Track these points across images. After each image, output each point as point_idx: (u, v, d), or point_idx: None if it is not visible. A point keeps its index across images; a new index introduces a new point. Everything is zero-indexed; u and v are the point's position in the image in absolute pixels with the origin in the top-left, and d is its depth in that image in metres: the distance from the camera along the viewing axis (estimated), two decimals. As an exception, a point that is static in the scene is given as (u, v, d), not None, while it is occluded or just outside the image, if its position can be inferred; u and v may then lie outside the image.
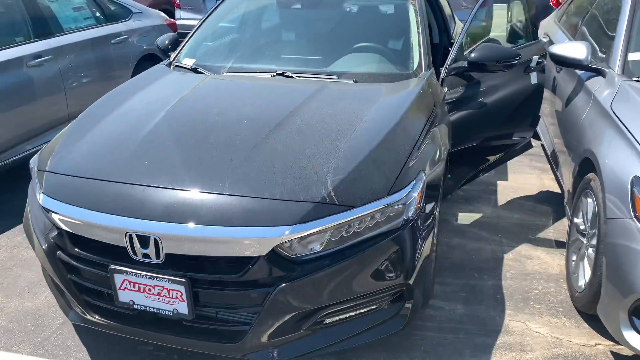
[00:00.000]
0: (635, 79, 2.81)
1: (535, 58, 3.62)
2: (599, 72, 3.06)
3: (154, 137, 2.31)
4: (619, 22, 3.18)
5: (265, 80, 2.94)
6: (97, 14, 5.21)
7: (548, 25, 4.94)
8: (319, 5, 3.55)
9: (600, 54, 3.29)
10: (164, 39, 3.65)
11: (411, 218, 2.10)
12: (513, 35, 4.24)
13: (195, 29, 3.56)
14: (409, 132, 2.40)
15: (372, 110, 2.50)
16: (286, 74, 2.95)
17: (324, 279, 1.95)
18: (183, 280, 1.92)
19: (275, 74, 2.97)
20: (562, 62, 3.19)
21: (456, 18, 5.01)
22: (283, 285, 1.90)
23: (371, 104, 2.57)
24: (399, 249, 2.06)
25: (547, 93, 4.08)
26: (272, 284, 1.91)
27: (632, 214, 2.12)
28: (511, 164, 4.59)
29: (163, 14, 6.37)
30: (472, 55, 3.04)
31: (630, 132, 2.40)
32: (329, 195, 1.96)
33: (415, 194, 2.13)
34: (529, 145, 4.00)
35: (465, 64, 3.08)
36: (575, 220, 2.85)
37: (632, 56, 2.96)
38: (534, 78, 3.66)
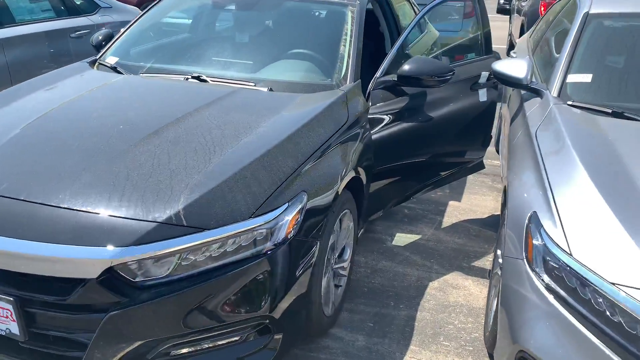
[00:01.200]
0: (570, 102, 2.59)
1: (485, 74, 3.41)
2: (537, 93, 2.85)
3: (19, 139, 2.16)
4: (564, 42, 2.97)
5: (176, 83, 2.78)
6: (59, 6, 5.10)
7: (520, 42, 4.72)
8: (253, 7, 3.38)
9: (545, 74, 3.08)
10: (98, 35, 3.51)
11: (279, 244, 1.91)
12: (461, 49, 4.01)
13: (127, 26, 3.41)
14: (300, 148, 2.21)
15: (268, 122, 2.32)
16: (201, 78, 2.79)
17: (167, 307, 1.77)
18: (10, 298, 1.76)
19: (190, 77, 2.81)
20: (503, 79, 2.97)
21: (431, 27, 4.78)
22: (116, 311, 1.72)
23: (271, 115, 2.39)
24: (261, 278, 1.87)
25: (504, 109, 3.86)
26: (106, 309, 1.74)
27: (523, 254, 1.91)
28: (469, 183, 4.37)
29: (138, 10, 6.25)
30: (402, 68, 2.84)
31: (543, 163, 2.19)
32: (177, 215, 1.78)
33: (288, 218, 1.94)
34: (480, 166, 3.78)
35: (395, 77, 2.89)
36: (498, 251, 2.64)
37: (572, 78, 2.74)
38: (482, 95, 3.45)
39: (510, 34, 9.62)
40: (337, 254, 2.56)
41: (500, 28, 12.91)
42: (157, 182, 1.89)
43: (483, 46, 3.59)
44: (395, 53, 3.00)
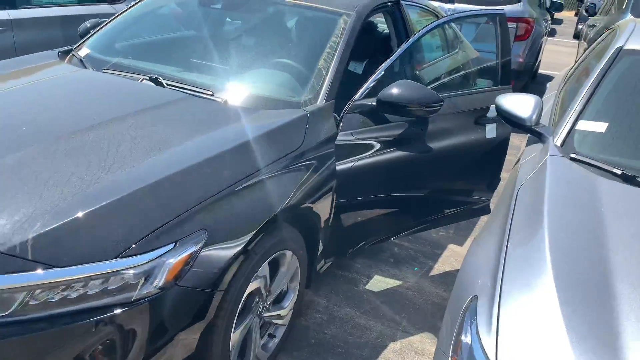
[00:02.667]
0: (573, 155, 2.11)
1: (495, 108, 2.94)
2: (540, 138, 2.37)
3: None
4: (586, 80, 2.48)
5: (127, 83, 2.51)
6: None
7: (558, 76, 4.16)
8: (238, 8, 3.07)
9: (558, 116, 2.59)
10: (87, 23, 3.33)
11: (155, 293, 1.58)
12: (473, 77, 3.52)
13: (111, 18, 3.20)
14: (220, 174, 1.87)
15: (195, 139, 2.00)
16: (159, 80, 2.51)
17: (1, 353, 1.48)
18: None
19: (148, 77, 2.54)
20: (506, 117, 2.51)
21: (467, 47, 4.30)
22: None
23: (205, 131, 2.07)
24: (124, 333, 1.55)
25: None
26: None
27: (450, 349, 1.48)
28: (479, 226, 3.88)
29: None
30: (382, 92, 2.45)
31: (508, 234, 1.74)
32: (23, 246, 1.49)
33: (173, 260, 1.61)
34: (485, 210, 3.30)
35: (374, 102, 2.49)
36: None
37: (582, 125, 2.25)
38: (490, 131, 2.99)
39: (575, 62, 8.86)
40: (270, 301, 2.21)
41: (572, 54, 12.07)
42: (21, 200, 1.61)
43: (499, 75, 3.12)
44: (383, 74, 2.60)
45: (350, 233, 2.68)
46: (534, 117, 2.38)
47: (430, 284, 3.12)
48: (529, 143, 2.50)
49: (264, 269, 2.04)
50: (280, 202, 2.03)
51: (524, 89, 6.76)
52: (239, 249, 1.82)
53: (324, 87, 2.49)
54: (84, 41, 3.06)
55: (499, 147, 3.06)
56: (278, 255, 2.14)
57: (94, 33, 3.11)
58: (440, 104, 2.45)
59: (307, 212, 2.24)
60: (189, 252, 1.65)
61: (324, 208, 2.36)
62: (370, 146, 2.56)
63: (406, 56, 2.94)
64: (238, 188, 1.88)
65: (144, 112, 2.17)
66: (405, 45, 2.71)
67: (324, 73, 2.54)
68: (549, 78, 9.04)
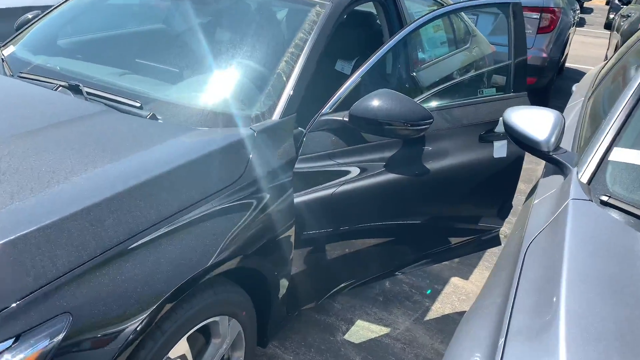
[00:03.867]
0: (604, 198, 1.54)
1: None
2: (559, 167, 1.81)
3: None
4: (624, 91, 1.89)
5: (37, 92, 2.01)
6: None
7: (588, 75, 3.53)
8: (189, 2, 2.54)
9: (585, 138, 2.01)
10: (27, 15, 2.85)
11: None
12: (480, 81, 2.90)
13: (48, 10, 2.71)
14: (99, 229, 1.35)
15: (81, 175, 1.48)
16: (79, 88, 2.01)
17: None
18: None
19: (67, 85, 2.04)
20: (516, 138, 1.95)
21: (481, 41, 3.70)
22: None
23: (101, 163, 1.55)
24: None
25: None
26: None
27: None
28: (488, 252, 3.31)
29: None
30: (355, 105, 1.91)
31: (514, 296, 1.21)
32: None
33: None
34: (494, 241, 2.74)
35: (346, 117, 1.95)
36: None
37: (619, 154, 1.68)
38: (499, 150, 2.42)
39: (606, 56, 8.12)
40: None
41: (602, 46, 11.26)
42: None
43: (512, 80, 2.53)
44: (359, 81, 2.05)
45: (322, 277, 2.16)
46: (552, 140, 1.81)
47: (425, 333, 2.58)
48: (546, 173, 1.93)
49: (181, 348, 1.53)
50: (204, 258, 1.51)
51: (548, 87, 6.10)
52: (129, 330, 1.30)
53: (282, 97, 1.95)
54: (12, 38, 2.59)
55: (511, 168, 2.50)
56: (207, 324, 1.63)
57: (27, 28, 2.63)
58: (429, 121, 1.90)
59: (253, 263, 1.72)
60: (37, 349, 1.15)
61: (279, 253, 1.84)
62: (344, 172, 2.02)
63: (392, 56, 2.39)
64: (133, 245, 1.37)
65: (36, 133, 1.67)
66: (388, 45, 2.15)
67: (284, 79, 2.00)
68: (578, 73, 8.32)
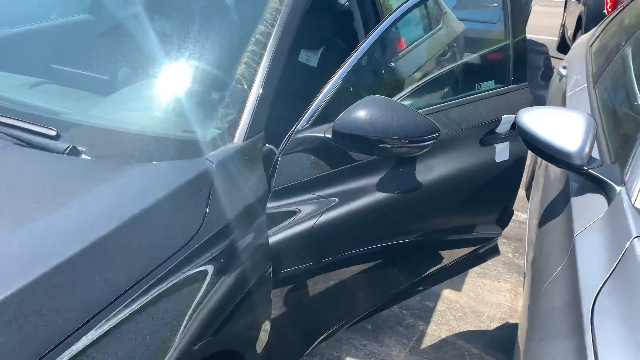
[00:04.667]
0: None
1: (509, 119, 2.01)
2: (600, 186, 1.46)
3: None
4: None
5: None
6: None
7: (577, 51, 3.22)
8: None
9: (619, 142, 1.67)
10: None
11: None
12: (470, 72, 2.44)
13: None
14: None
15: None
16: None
17: None
18: None
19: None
20: (536, 147, 1.59)
21: (450, 19, 3.31)
22: None
23: (4, 237, 1.09)
24: None
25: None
26: None
27: None
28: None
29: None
30: (341, 119, 1.49)
31: None
32: None
33: None
34: (493, 252, 2.42)
35: (328, 133, 1.54)
36: None
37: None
38: (501, 153, 2.07)
39: (563, 25, 7.93)
40: None
41: (556, 15, 11.13)
42: None
43: (511, 68, 2.17)
44: (340, 84, 1.63)
45: (307, 328, 1.77)
46: (587, 151, 1.46)
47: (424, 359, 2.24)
48: (579, 190, 1.58)
49: None
50: (171, 344, 1.09)
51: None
52: None
53: (245, 111, 1.50)
54: None
55: (513, 171, 2.15)
56: None
57: None
58: (435, 135, 1.51)
59: (224, 343, 1.31)
60: None
61: (255, 319, 1.44)
62: (327, 201, 1.61)
63: (378, 49, 1.98)
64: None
65: None
66: (374, 34, 1.72)
67: (246, 85, 1.55)
68: (534, 43, 8.12)
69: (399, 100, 1.91)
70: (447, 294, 2.68)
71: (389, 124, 1.46)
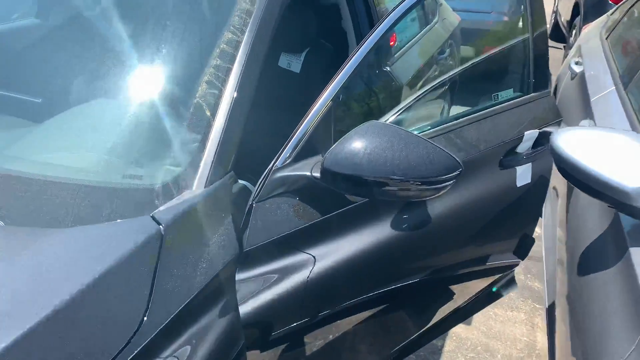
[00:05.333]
0: None
1: (532, 135, 1.68)
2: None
3: None
4: None
5: None
6: None
7: (591, 44, 2.88)
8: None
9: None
10: None
11: None
12: (481, 77, 2.01)
13: None
14: None
15: None
16: None
17: None
18: None
19: None
20: (577, 180, 1.26)
21: (446, 11, 2.97)
22: None
23: None
24: None
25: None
26: None
27: None
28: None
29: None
30: (332, 154, 1.14)
31: None
32: None
33: None
34: (511, 285, 2.10)
35: (315, 170, 1.19)
36: None
37: None
38: (523, 176, 1.73)
39: (555, 11, 7.62)
40: None
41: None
42: None
43: (531, 70, 1.82)
44: (330, 104, 1.28)
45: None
46: (650, 187, 1.13)
47: (434, 423, 1.91)
48: (636, 232, 1.25)
49: None
50: None
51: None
52: None
53: (208, 147, 1.15)
54: None
55: (535, 195, 1.83)
56: None
57: None
58: (457, 173, 1.16)
59: None
60: None
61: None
62: (316, 257, 1.26)
63: (371, 60, 1.62)
64: None
65: None
66: (364, 47, 1.35)
67: (208, 112, 1.19)
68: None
69: (399, 113, 1.58)
70: (455, 329, 2.36)
71: (393, 160, 1.12)
